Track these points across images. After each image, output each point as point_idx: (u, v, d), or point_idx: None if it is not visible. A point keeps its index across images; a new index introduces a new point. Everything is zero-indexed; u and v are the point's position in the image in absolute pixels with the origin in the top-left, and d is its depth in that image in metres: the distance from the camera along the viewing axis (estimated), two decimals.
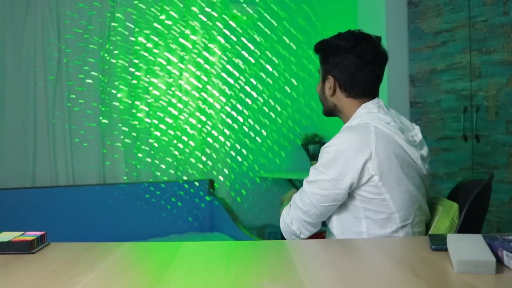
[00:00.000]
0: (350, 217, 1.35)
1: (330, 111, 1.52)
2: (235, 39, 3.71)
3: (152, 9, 3.41)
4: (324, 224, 1.43)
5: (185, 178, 3.52)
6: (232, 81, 3.70)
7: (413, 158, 1.34)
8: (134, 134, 3.37)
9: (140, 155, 3.40)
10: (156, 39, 3.42)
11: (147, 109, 3.39)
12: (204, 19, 3.56)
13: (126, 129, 3.35)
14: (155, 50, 3.42)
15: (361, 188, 1.30)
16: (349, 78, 1.41)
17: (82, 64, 3.22)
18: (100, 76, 3.28)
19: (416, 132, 1.42)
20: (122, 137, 3.32)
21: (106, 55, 3.29)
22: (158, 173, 3.45)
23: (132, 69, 3.35)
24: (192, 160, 3.54)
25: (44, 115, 3.11)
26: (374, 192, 1.29)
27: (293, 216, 1.38)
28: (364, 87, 1.41)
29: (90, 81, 3.24)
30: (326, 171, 1.30)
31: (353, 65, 1.39)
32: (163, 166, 3.45)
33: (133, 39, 3.35)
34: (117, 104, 3.31)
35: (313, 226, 1.37)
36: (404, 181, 1.30)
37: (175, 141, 3.48)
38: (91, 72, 3.24)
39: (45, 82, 3.11)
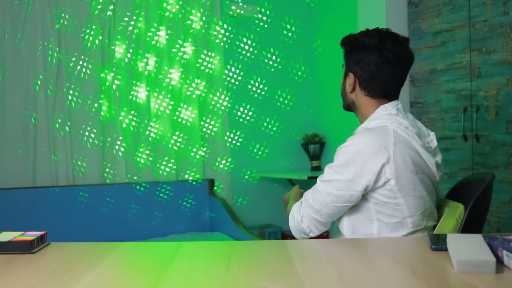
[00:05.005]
0: (361, 219, 1.34)
1: (349, 107, 1.50)
2: (235, 39, 3.71)
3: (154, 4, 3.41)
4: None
5: (185, 178, 3.52)
6: (232, 81, 3.70)
7: (428, 164, 1.33)
8: (134, 134, 3.37)
9: (140, 155, 3.40)
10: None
11: (148, 108, 3.39)
12: (204, 19, 3.56)
13: (126, 129, 3.35)
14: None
15: (376, 191, 1.29)
16: (369, 77, 1.39)
17: (82, 64, 3.22)
18: (101, 76, 3.28)
19: (432, 139, 1.40)
20: (122, 137, 3.32)
21: (106, 55, 3.29)
22: (158, 173, 3.45)
23: (132, 68, 3.36)
24: (192, 159, 3.54)
25: (44, 115, 3.11)
26: (388, 195, 1.28)
27: (304, 214, 1.37)
28: (384, 88, 1.39)
29: (91, 81, 3.24)
30: (342, 172, 1.29)
31: (374, 64, 1.36)
32: (163, 166, 3.45)
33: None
34: (118, 104, 3.31)
35: (324, 225, 1.37)
36: (419, 186, 1.30)
37: (175, 141, 3.49)
38: (91, 72, 3.24)
39: (45, 82, 3.11)
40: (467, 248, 0.89)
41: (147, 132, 3.39)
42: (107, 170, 3.31)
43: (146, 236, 3.23)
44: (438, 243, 0.99)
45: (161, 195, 3.37)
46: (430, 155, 1.34)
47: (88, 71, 3.23)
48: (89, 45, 3.23)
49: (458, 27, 2.57)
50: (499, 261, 0.86)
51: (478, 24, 2.46)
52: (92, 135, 3.24)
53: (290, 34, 3.88)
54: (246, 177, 3.75)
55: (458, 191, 1.53)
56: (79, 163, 3.22)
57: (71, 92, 3.21)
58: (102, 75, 3.28)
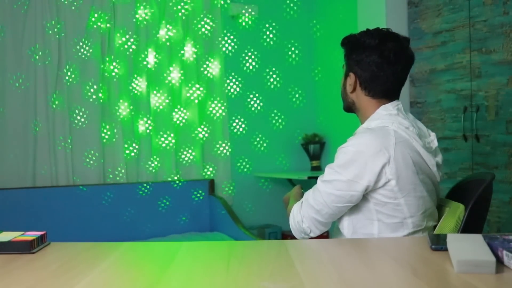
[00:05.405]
0: (362, 219, 1.34)
1: (349, 108, 1.50)
2: (235, 39, 3.71)
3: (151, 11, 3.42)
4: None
5: (185, 178, 3.52)
6: (232, 80, 3.70)
7: (429, 165, 1.33)
8: (134, 133, 3.37)
9: (140, 154, 3.39)
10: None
11: (147, 108, 3.38)
12: (204, 22, 3.56)
13: (127, 129, 3.35)
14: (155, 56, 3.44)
15: (377, 191, 1.29)
16: (370, 77, 1.38)
17: (83, 64, 3.22)
18: (101, 74, 3.27)
19: (432, 139, 1.41)
20: (122, 136, 3.32)
21: (107, 57, 3.29)
22: (159, 173, 3.44)
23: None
24: (192, 160, 3.54)
25: (44, 115, 3.11)
26: (389, 196, 1.28)
27: (304, 214, 1.37)
28: (385, 87, 1.39)
29: (91, 81, 3.24)
30: (342, 172, 1.29)
31: (375, 64, 1.36)
32: (163, 165, 3.45)
33: (134, 37, 3.36)
34: (118, 103, 3.31)
35: (324, 225, 1.37)
36: (419, 187, 1.30)
37: (175, 141, 3.48)
38: (91, 72, 3.23)
39: (45, 82, 3.11)
40: (467, 248, 0.89)
41: (148, 132, 3.39)
42: (107, 170, 3.31)
43: (146, 236, 3.23)
44: (438, 243, 0.99)
45: (161, 195, 3.37)
46: (431, 155, 1.34)
47: (89, 73, 3.23)
48: (90, 46, 3.22)
49: (458, 27, 2.57)
50: (499, 261, 0.86)
51: (478, 24, 2.46)
52: (92, 135, 3.24)
53: (289, 36, 3.87)
54: (246, 177, 3.75)
55: (458, 191, 1.53)
56: (79, 162, 3.22)
57: (72, 92, 3.20)
58: (101, 74, 3.28)
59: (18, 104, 3.09)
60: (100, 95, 3.27)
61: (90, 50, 3.22)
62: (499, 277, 0.81)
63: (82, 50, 3.21)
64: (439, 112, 2.72)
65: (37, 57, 3.09)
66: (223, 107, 3.62)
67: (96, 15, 3.23)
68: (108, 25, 3.27)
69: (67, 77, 3.18)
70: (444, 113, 2.69)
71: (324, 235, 2.93)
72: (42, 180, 3.11)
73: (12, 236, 1.06)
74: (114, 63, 3.29)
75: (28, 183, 3.09)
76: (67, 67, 3.18)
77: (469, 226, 1.34)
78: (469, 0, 2.50)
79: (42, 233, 1.09)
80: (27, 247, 1.02)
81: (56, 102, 3.16)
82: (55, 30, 3.13)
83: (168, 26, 3.45)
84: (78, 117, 3.22)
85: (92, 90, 3.23)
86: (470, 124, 2.51)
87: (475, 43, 2.48)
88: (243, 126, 3.73)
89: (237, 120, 3.71)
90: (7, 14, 3.05)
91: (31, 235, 1.06)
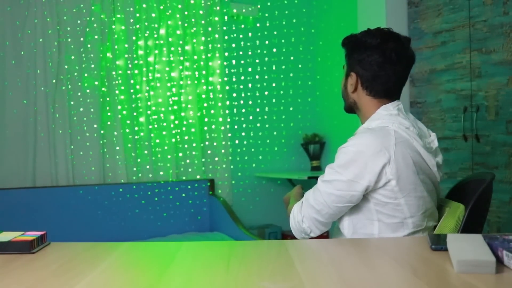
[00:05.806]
0: (362, 219, 1.34)
1: (350, 108, 1.50)
2: (235, 39, 3.71)
3: (153, 14, 3.41)
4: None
5: (185, 178, 3.52)
6: (232, 81, 3.70)
7: (429, 165, 1.33)
8: (134, 133, 3.37)
9: (140, 154, 3.40)
10: (156, 35, 3.44)
11: (147, 108, 3.39)
12: (204, 22, 3.56)
13: (126, 129, 3.35)
14: (155, 51, 3.44)
15: (377, 191, 1.29)
16: (371, 76, 1.39)
17: (83, 64, 3.22)
18: (101, 74, 3.27)
19: (433, 139, 1.41)
20: (122, 136, 3.32)
21: (106, 56, 3.29)
22: (158, 173, 3.44)
23: (133, 70, 3.36)
24: (192, 160, 3.54)
25: (45, 115, 3.11)
26: (389, 196, 1.28)
27: (305, 214, 1.37)
28: (386, 87, 1.39)
29: (91, 81, 3.24)
30: (343, 172, 1.29)
31: (376, 63, 1.37)
32: (163, 165, 3.45)
33: (134, 38, 3.36)
34: (118, 103, 3.31)
35: (325, 225, 1.37)
36: (420, 187, 1.30)
37: (175, 141, 3.48)
38: (91, 72, 3.23)
39: (46, 82, 3.11)
40: (467, 248, 0.89)
41: (148, 132, 3.39)
42: (107, 170, 3.31)
43: (146, 236, 3.23)
44: (438, 243, 0.99)
45: (161, 195, 3.37)
46: (431, 155, 1.34)
47: (89, 73, 3.23)
48: (90, 47, 3.22)
49: (458, 27, 2.57)
50: (499, 261, 0.86)
51: (478, 24, 2.46)
52: (92, 135, 3.24)
53: (289, 36, 3.88)
54: (246, 177, 3.75)
55: (458, 191, 1.53)
56: (79, 162, 3.22)
57: (72, 91, 3.20)
58: (102, 74, 3.28)
59: (19, 104, 3.09)
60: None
61: (92, 49, 3.23)
62: (499, 277, 0.81)
63: (82, 46, 3.22)
64: (439, 112, 2.72)
65: (36, 50, 3.09)
66: (223, 107, 3.62)
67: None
68: (108, 29, 3.27)
69: (67, 74, 3.18)
70: (444, 113, 2.69)
71: (324, 235, 2.93)
72: (42, 180, 3.11)
73: (12, 236, 1.06)
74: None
75: (28, 183, 3.09)
76: (67, 67, 3.19)
77: (469, 226, 1.34)
78: (469, 0, 2.50)
79: (42, 233, 1.09)
80: (27, 247, 1.02)
81: (56, 105, 3.16)
82: (57, 28, 3.14)
83: (168, 25, 3.45)
84: (78, 117, 3.22)
85: (92, 89, 3.24)
86: (470, 124, 2.51)
87: (475, 43, 2.48)
88: (243, 126, 3.74)
89: (237, 120, 3.71)
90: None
91: (31, 235, 1.06)
